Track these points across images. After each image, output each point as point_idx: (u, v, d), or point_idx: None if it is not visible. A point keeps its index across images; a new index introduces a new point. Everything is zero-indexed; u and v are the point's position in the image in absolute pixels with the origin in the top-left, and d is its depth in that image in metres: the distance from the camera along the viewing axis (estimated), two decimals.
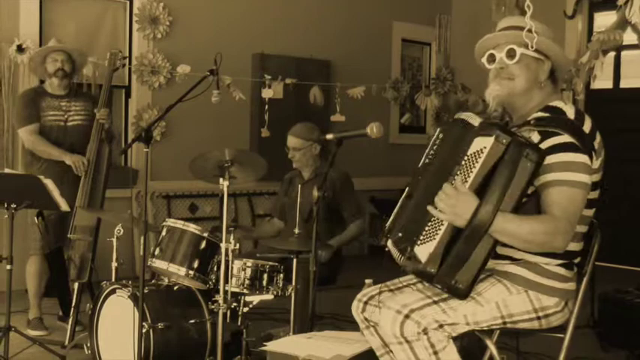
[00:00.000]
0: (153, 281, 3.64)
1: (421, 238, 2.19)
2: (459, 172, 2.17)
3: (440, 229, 2.17)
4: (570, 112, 2.32)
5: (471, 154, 2.15)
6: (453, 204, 2.12)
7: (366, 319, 2.52)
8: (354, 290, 2.66)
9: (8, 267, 3.54)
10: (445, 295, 2.26)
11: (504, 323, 2.33)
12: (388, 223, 2.47)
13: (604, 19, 6.41)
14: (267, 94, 6.22)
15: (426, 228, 2.19)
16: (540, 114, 2.34)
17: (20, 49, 5.21)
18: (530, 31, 2.32)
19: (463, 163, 2.16)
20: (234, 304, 3.30)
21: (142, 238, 3.02)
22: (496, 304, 2.30)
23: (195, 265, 3.36)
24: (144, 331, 3.10)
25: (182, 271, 3.35)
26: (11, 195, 3.54)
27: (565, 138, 2.21)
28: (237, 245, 3.25)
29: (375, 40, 7.39)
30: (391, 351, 2.37)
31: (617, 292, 4.31)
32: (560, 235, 2.17)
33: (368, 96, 6.72)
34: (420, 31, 7.79)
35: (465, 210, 2.12)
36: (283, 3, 6.73)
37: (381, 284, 2.57)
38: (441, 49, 7.88)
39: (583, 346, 3.79)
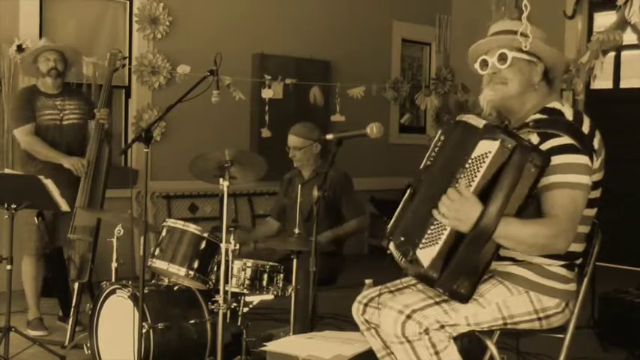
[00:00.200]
0: (153, 281, 3.63)
1: (423, 241, 2.18)
2: (462, 175, 2.15)
3: (443, 234, 2.15)
4: (568, 113, 2.33)
5: (476, 158, 2.14)
6: (457, 209, 2.11)
7: (366, 321, 2.53)
8: (354, 290, 2.66)
9: (8, 267, 3.54)
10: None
11: (505, 324, 2.33)
12: (390, 224, 2.47)
13: (604, 19, 6.41)
14: (267, 94, 6.22)
15: (429, 232, 2.18)
16: (538, 116, 2.34)
17: (20, 49, 5.20)
18: (522, 33, 2.32)
19: (467, 166, 2.15)
20: (234, 304, 3.30)
21: (142, 239, 3.02)
22: (497, 305, 2.30)
23: (195, 265, 3.36)
24: (144, 331, 3.10)
25: (182, 271, 3.35)
26: (11, 195, 3.54)
27: (565, 140, 2.21)
28: (237, 246, 3.25)
29: (375, 40, 7.39)
30: (392, 353, 2.37)
31: (618, 292, 4.31)
32: (562, 237, 2.17)
33: (368, 96, 6.71)
34: (420, 31, 7.79)
35: (468, 215, 2.11)
36: (283, 3, 6.73)
37: (381, 286, 2.57)
38: (440, 49, 7.88)
39: (583, 346, 3.79)
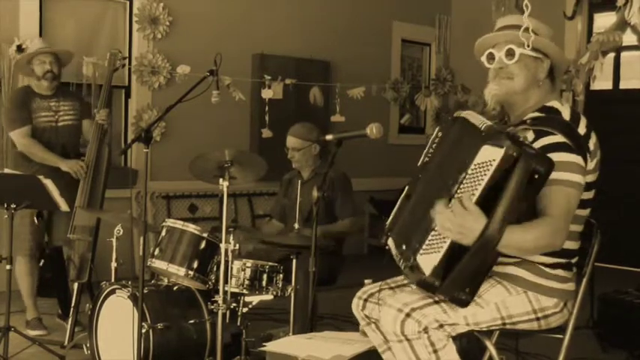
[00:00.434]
0: (152, 281, 3.63)
1: (424, 247, 2.15)
2: (465, 182, 2.10)
3: (445, 242, 2.11)
4: (566, 113, 2.34)
5: (479, 164, 2.08)
6: (460, 223, 2.05)
7: (366, 316, 2.53)
8: (354, 290, 2.66)
9: (8, 267, 3.54)
10: None
11: (504, 324, 2.34)
12: (388, 221, 2.48)
13: (604, 20, 6.41)
14: (267, 94, 6.22)
15: (430, 237, 2.14)
16: (536, 114, 2.35)
17: (20, 49, 5.20)
18: (527, 29, 2.32)
19: (470, 172, 2.09)
20: (234, 304, 3.30)
21: (142, 239, 3.02)
22: (495, 305, 2.30)
23: (195, 265, 3.36)
24: (143, 331, 3.10)
25: (182, 271, 3.35)
26: (11, 195, 3.54)
27: (558, 138, 2.22)
28: (237, 246, 3.25)
29: (375, 40, 7.39)
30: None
31: (617, 292, 4.31)
32: (559, 235, 2.18)
33: (368, 96, 6.71)
34: (419, 32, 7.79)
35: (472, 229, 2.06)
36: (283, 3, 6.73)
37: (382, 282, 2.57)
38: (440, 50, 7.89)
39: (582, 346, 3.79)
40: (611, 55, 5.62)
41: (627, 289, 4.34)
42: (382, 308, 2.33)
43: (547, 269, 2.32)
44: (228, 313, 3.22)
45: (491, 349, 2.40)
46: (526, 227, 2.13)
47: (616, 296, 4.27)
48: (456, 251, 2.11)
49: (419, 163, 2.44)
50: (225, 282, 3.21)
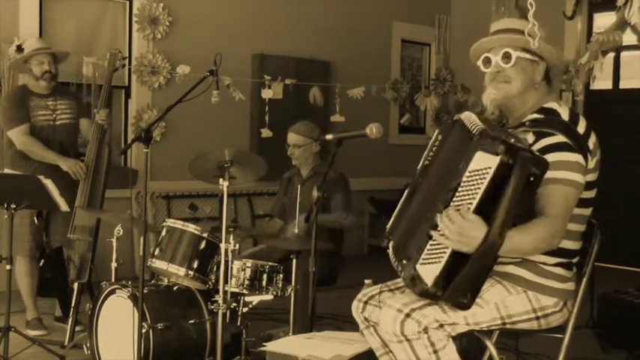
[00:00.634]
0: (152, 281, 3.63)
1: (424, 257, 2.14)
2: (461, 189, 2.09)
3: (445, 252, 2.11)
4: (564, 114, 2.35)
5: (474, 172, 2.07)
6: (460, 232, 2.05)
7: (366, 319, 2.53)
8: (354, 290, 2.66)
9: (8, 267, 3.54)
10: None
11: (504, 324, 2.34)
12: (389, 225, 2.47)
13: (603, 20, 6.41)
14: (266, 94, 6.22)
15: (429, 247, 2.14)
16: (535, 115, 2.36)
17: (20, 49, 5.19)
18: (530, 34, 2.32)
19: (465, 179, 2.09)
20: (234, 304, 3.30)
21: (142, 239, 3.02)
22: (495, 304, 2.30)
23: (195, 265, 3.36)
24: (143, 331, 3.10)
25: (182, 271, 3.35)
26: (11, 195, 3.54)
27: (559, 138, 2.23)
28: (237, 245, 3.25)
29: (375, 40, 7.39)
30: (391, 351, 2.37)
31: (617, 292, 4.31)
32: (558, 235, 2.20)
33: (368, 96, 6.71)
34: (419, 32, 7.79)
35: (472, 238, 2.06)
36: (283, 3, 6.73)
37: (382, 284, 2.57)
38: (440, 50, 7.89)
39: (582, 346, 3.79)
40: (611, 54, 5.62)
41: (627, 289, 4.34)
42: (382, 309, 2.33)
43: (548, 268, 2.32)
44: (228, 313, 3.22)
45: (492, 348, 2.41)
46: (525, 230, 2.14)
47: (616, 296, 4.27)
48: (456, 260, 2.10)
49: (419, 166, 2.44)
50: (225, 282, 3.21)
